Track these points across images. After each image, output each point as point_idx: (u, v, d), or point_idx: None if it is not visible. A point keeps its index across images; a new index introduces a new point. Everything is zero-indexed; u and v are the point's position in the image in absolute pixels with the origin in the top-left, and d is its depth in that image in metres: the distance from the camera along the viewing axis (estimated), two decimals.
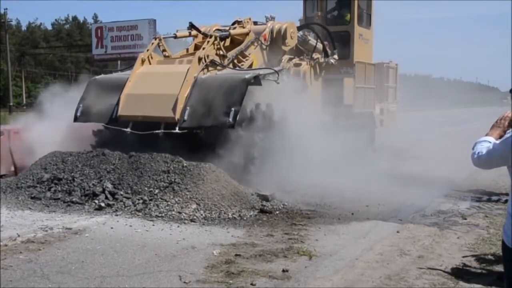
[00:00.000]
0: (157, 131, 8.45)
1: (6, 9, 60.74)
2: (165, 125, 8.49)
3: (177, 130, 8.35)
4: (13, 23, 63.23)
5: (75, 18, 73.23)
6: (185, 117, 8.43)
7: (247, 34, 10.27)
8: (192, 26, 10.03)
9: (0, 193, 8.03)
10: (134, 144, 8.50)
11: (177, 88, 8.59)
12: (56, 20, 73.80)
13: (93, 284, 4.62)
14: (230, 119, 8.22)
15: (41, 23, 72.67)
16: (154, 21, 30.60)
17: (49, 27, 72.27)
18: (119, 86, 9.14)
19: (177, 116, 8.45)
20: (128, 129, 8.67)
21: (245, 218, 7.09)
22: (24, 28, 69.95)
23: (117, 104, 8.95)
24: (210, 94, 8.58)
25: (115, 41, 31.22)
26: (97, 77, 9.81)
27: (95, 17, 67.46)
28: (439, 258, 5.50)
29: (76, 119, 9.31)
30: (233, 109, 8.27)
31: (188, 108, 8.49)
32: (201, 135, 8.63)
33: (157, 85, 8.93)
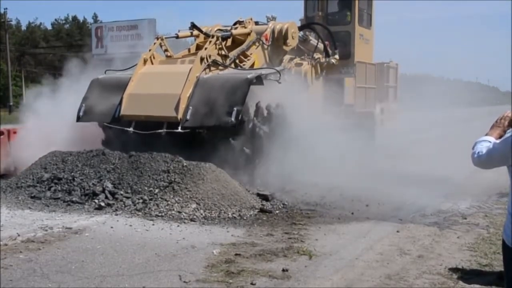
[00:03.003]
0: (159, 131, 8.46)
1: (6, 9, 60.52)
2: (168, 125, 8.50)
3: (179, 130, 8.36)
4: (13, 23, 63.10)
5: (75, 18, 73.03)
6: (188, 117, 8.44)
7: (249, 34, 10.28)
8: (194, 26, 10.05)
9: (0, 193, 8.04)
10: (136, 143, 8.51)
11: (180, 88, 8.60)
12: (56, 20, 73.62)
13: (93, 284, 4.62)
14: (233, 119, 8.23)
15: (41, 23, 72.54)
16: (154, 21, 30.61)
17: (49, 27, 72.15)
18: (121, 86, 9.15)
19: (180, 116, 8.46)
20: (131, 129, 8.68)
21: (245, 218, 7.09)
22: (24, 28, 69.84)
23: (120, 103, 8.96)
24: (212, 94, 8.59)
25: (115, 41, 31.19)
26: (99, 76, 9.82)
27: (95, 17, 67.36)
28: (439, 257, 5.50)
29: (78, 118, 9.31)
30: (235, 108, 8.28)
31: (190, 107, 8.50)
32: (203, 134, 8.63)
33: (159, 85, 8.94)
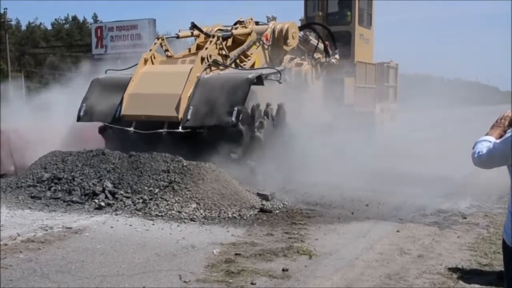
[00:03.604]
0: (160, 130, 8.46)
1: (6, 8, 60.44)
2: (168, 125, 8.51)
3: (180, 130, 8.36)
4: (13, 22, 63.04)
5: (75, 18, 72.96)
6: (188, 117, 8.44)
7: (249, 34, 10.29)
8: (194, 26, 10.05)
9: (0, 193, 8.04)
10: (137, 143, 8.51)
11: (180, 88, 8.60)
12: (56, 20, 73.52)
13: (93, 284, 4.62)
14: (233, 119, 8.24)
15: (41, 23, 72.44)
16: (154, 21, 30.69)
17: (49, 27, 72.11)
18: (122, 86, 9.15)
19: (180, 116, 8.47)
20: (132, 129, 8.68)
21: (245, 218, 7.09)
22: (24, 27, 69.82)
23: (120, 103, 8.97)
24: (213, 93, 8.59)
25: (115, 40, 31.25)
26: (100, 76, 9.82)
27: (95, 17, 67.28)
28: (439, 257, 5.50)
29: (79, 118, 9.31)
30: (236, 108, 8.28)
31: (191, 107, 8.51)
32: (204, 134, 8.64)
33: (160, 85, 8.94)
